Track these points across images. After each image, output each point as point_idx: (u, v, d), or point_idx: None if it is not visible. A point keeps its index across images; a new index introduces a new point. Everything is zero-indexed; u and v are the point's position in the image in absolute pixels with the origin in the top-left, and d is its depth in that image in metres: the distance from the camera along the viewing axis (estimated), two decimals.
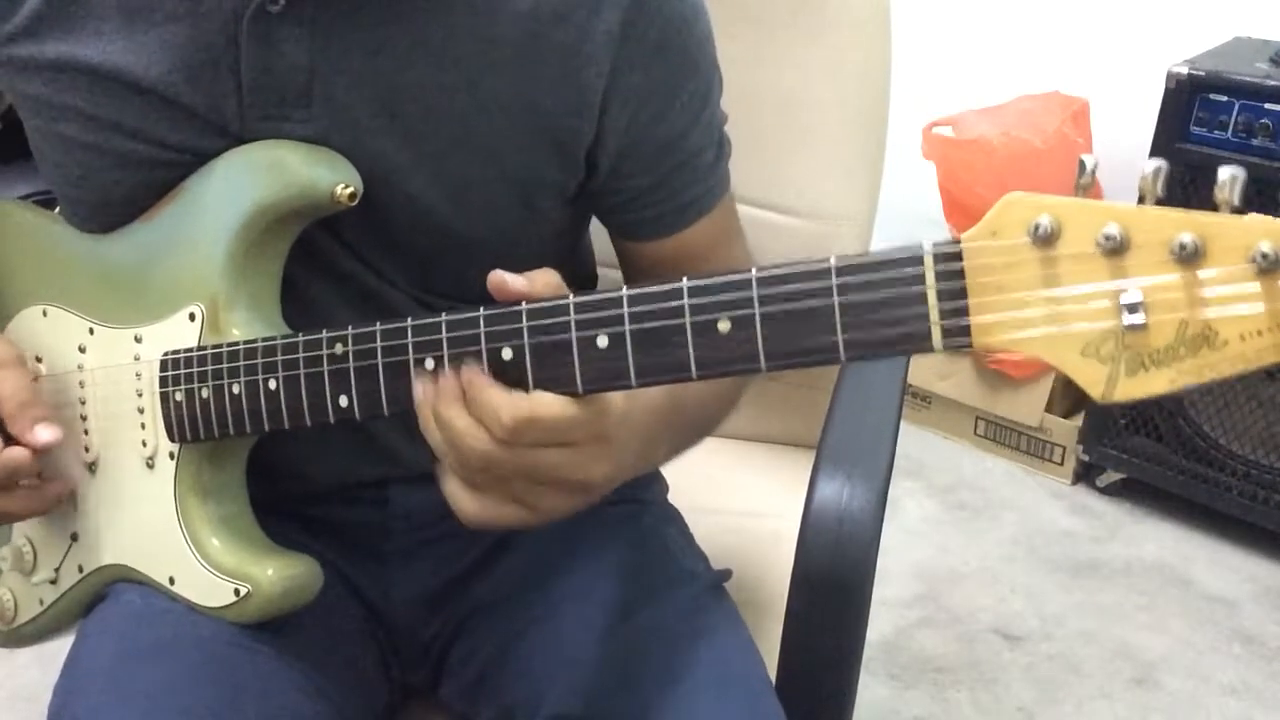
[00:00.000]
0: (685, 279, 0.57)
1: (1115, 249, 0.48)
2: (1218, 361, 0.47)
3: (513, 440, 0.59)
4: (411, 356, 0.63)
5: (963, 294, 0.50)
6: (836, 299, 0.53)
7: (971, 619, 1.84)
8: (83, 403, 0.80)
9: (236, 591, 0.73)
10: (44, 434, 0.74)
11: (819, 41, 1.11)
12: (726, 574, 0.86)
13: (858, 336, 0.53)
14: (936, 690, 1.70)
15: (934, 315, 0.51)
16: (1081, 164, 0.54)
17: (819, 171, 1.13)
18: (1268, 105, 1.71)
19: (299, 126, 0.71)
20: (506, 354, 0.61)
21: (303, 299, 0.76)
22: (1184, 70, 1.77)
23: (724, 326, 0.56)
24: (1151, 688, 1.70)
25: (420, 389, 0.62)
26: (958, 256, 0.50)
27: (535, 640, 0.79)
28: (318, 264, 0.76)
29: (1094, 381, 0.49)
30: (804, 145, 1.13)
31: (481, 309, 0.61)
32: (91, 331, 0.80)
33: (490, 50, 0.71)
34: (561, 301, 0.59)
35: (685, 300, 0.57)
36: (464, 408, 0.60)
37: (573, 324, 0.59)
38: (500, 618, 0.83)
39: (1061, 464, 2.18)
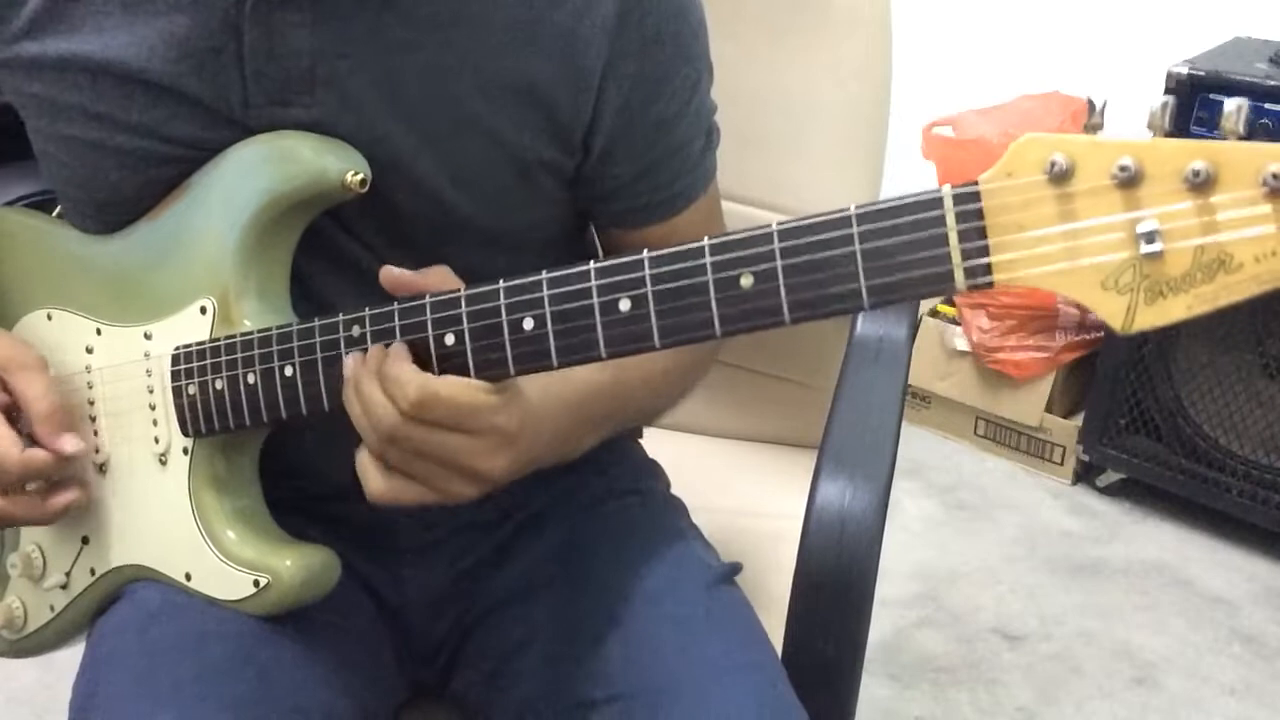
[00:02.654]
0: (706, 238, 0.58)
1: (1129, 180, 0.49)
2: (1234, 284, 0.48)
3: (416, 415, 0.62)
4: (431, 333, 0.64)
5: (983, 234, 0.51)
6: (859, 246, 0.54)
7: (971, 619, 1.84)
8: (91, 403, 0.80)
9: (256, 583, 0.73)
10: (71, 443, 0.74)
11: (820, 42, 1.11)
12: (738, 567, 0.86)
13: (880, 282, 0.54)
14: (936, 690, 1.69)
15: (956, 256, 0.52)
16: (1090, 104, 0.54)
17: (819, 171, 1.13)
18: (1268, 105, 1.71)
19: (303, 112, 0.71)
20: (528, 324, 0.62)
21: (308, 288, 0.76)
22: (1184, 70, 1.77)
23: (747, 282, 0.57)
24: (1151, 688, 1.70)
25: (350, 362, 0.66)
26: (976, 197, 0.51)
27: (556, 631, 0.80)
28: (323, 252, 0.76)
29: (1115, 313, 0.50)
30: (804, 145, 1.13)
31: (501, 281, 0.62)
32: (99, 332, 0.79)
33: (490, 34, 0.71)
34: (583, 268, 0.60)
35: (707, 259, 0.57)
36: (377, 380, 0.64)
37: (594, 290, 0.60)
38: (517, 612, 0.83)
39: (1061, 464, 2.18)
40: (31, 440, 0.75)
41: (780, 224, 0.56)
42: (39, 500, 0.76)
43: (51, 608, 0.83)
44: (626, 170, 0.78)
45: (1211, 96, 1.76)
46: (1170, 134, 1.78)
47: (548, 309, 0.61)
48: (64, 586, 0.82)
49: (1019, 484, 2.20)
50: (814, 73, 1.11)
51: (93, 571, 0.81)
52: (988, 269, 0.52)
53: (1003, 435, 2.25)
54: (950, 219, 0.52)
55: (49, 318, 0.82)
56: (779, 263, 0.56)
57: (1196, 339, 1.90)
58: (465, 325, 0.63)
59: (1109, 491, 2.14)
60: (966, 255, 0.52)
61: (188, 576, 0.76)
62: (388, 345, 0.65)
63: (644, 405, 0.83)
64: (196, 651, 0.72)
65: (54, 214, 0.85)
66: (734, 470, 1.20)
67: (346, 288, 0.77)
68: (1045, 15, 2.19)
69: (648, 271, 0.59)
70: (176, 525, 0.75)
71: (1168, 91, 1.78)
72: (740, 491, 1.15)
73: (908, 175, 1.95)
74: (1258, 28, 1.95)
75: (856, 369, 1.03)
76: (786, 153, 1.12)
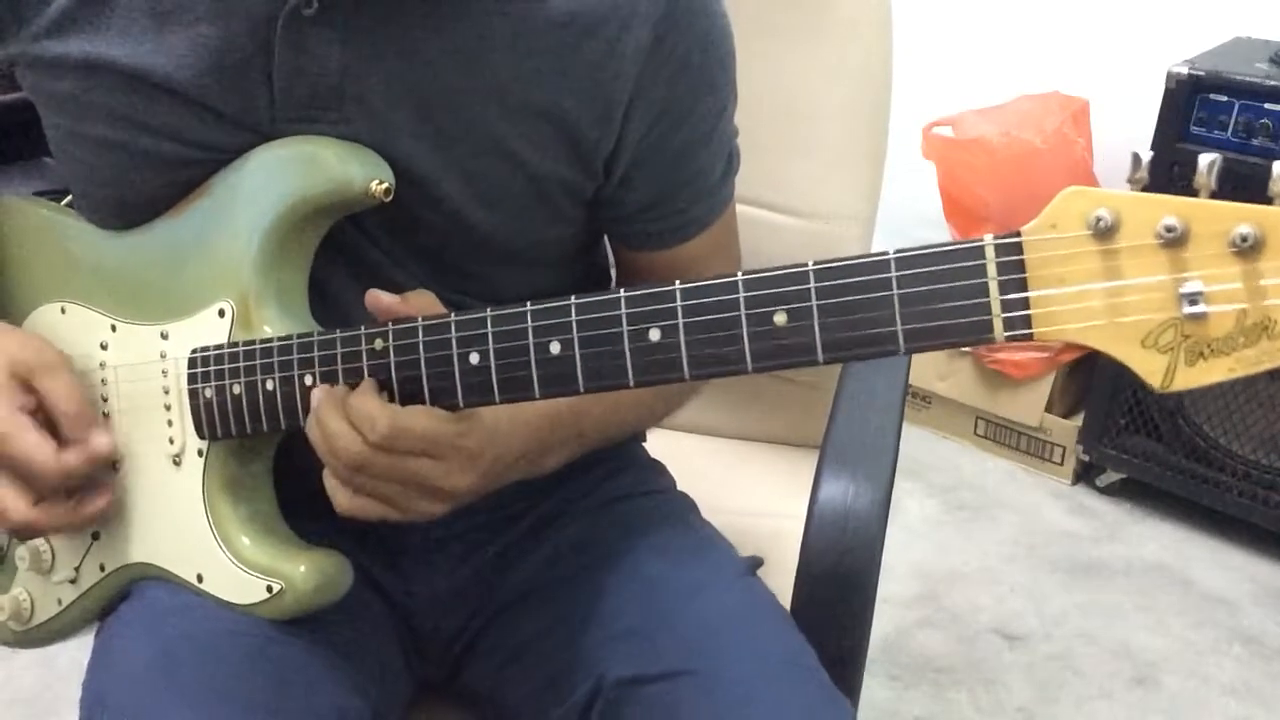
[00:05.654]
0: (740, 273, 0.58)
1: (1174, 241, 0.49)
2: (1276, 350, 0.48)
3: (386, 447, 0.63)
4: (455, 351, 0.64)
5: (1024, 286, 0.52)
6: (896, 291, 0.54)
7: (971, 619, 1.84)
8: (105, 400, 0.80)
9: (269, 589, 0.73)
10: (104, 440, 0.74)
11: (820, 42, 1.11)
12: (759, 561, 0.86)
13: (917, 327, 0.54)
14: (936, 690, 1.69)
15: (996, 307, 0.52)
16: (1136, 158, 0.55)
17: (820, 172, 1.13)
18: (1268, 105, 1.71)
19: (330, 128, 0.71)
20: (554, 348, 0.62)
21: (325, 293, 0.76)
22: (1184, 70, 1.77)
23: (780, 319, 0.56)
24: (1151, 688, 1.70)
25: (318, 394, 0.66)
26: (1018, 249, 0.52)
27: (583, 619, 0.80)
28: (343, 261, 0.76)
29: (1153, 371, 0.50)
30: (805, 146, 1.13)
31: (529, 304, 0.62)
32: (114, 329, 0.79)
33: (520, 59, 0.71)
34: (612, 295, 0.60)
35: (740, 294, 0.57)
36: (342, 414, 0.65)
37: (624, 318, 0.60)
38: (536, 605, 0.83)
39: (1061, 464, 2.18)
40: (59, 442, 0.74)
41: (816, 263, 0.56)
42: (71, 509, 0.75)
43: (59, 601, 0.83)
44: (645, 195, 0.79)
45: (1211, 97, 1.76)
46: (1169, 144, 1.77)
47: (575, 334, 0.61)
48: (72, 581, 0.82)
49: (1019, 484, 2.20)
50: (815, 73, 1.11)
51: (102, 568, 0.81)
52: (1027, 321, 0.52)
53: (1003, 435, 2.25)
54: (991, 269, 0.52)
55: (63, 311, 0.82)
56: (814, 302, 0.56)
57: None
58: (490, 345, 0.63)
59: (1109, 491, 2.14)
60: (1007, 306, 0.52)
61: (199, 578, 0.75)
62: (353, 385, 0.66)
63: (609, 430, 0.83)
64: (210, 652, 0.72)
65: (62, 205, 0.85)
66: (734, 470, 1.20)
67: (364, 295, 0.77)
68: (1045, 15, 2.19)
69: (679, 303, 0.59)
70: (189, 527, 0.75)
71: (1167, 91, 1.78)
72: (741, 491, 1.15)
73: (908, 175, 1.96)
74: (1258, 28, 1.95)
75: (857, 369, 1.03)
76: (787, 153, 1.12)
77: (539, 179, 0.75)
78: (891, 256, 0.54)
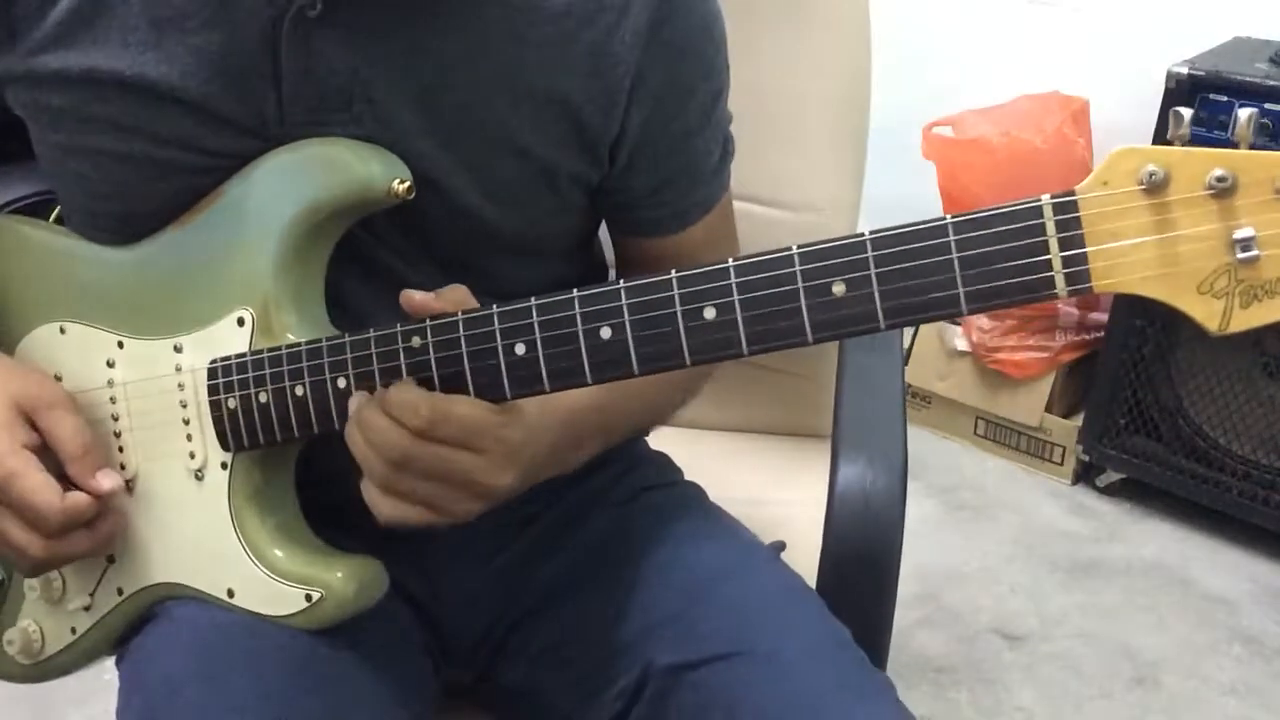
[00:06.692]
0: (795, 246, 0.58)
1: (1225, 191, 0.52)
2: None
3: (427, 433, 0.63)
4: (500, 343, 0.64)
5: (1081, 242, 0.54)
6: (955, 254, 0.55)
7: (971, 619, 1.84)
8: (115, 419, 0.78)
9: (308, 597, 0.71)
10: (109, 481, 0.73)
11: (799, 35, 1.11)
12: (782, 545, 0.87)
13: (979, 288, 0.55)
14: (936, 690, 1.69)
15: (1057, 264, 0.54)
16: (1178, 115, 0.58)
17: (801, 164, 1.14)
18: (1268, 105, 1.71)
19: (340, 130, 0.71)
20: (605, 333, 0.62)
21: (338, 299, 0.75)
22: (1184, 70, 1.77)
23: (839, 289, 0.58)
24: (1151, 688, 1.70)
25: (355, 400, 0.66)
26: (1074, 206, 0.54)
27: (621, 611, 0.80)
28: (353, 261, 0.76)
29: (1210, 315, 0.53)
30: (785, 138, 1.13)
31: (575, 291, 0.63)
32: (121, 345, 0.77)
33: (524, 50, 0.72)
34: (663, 277, 0.61)
35: (797, 267, 0.58)
36: (381, 409, 0.64)
37: (676, 298, 0.61)
38: (569, 602, 0.83)
39: (1061, 464, 2.18)
40: (63, 478, 0.73)
41: (873, 233, 0.57)
42: (84, 537, 0.73)
43: (73, 630, 0.81)
44: (646, 181, 0.79)
45: (1211, 97, 1.76)
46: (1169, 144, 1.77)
47: (627, 317, 0.61)
48: (88, 608, 0.80)
49: (1019, 484, 2.20)
50: (794, 66, 1.12)
51: (120, 591, 0.79)
52: (1087, 275, 0.54)
53: (1003, 435, 2.25)
54: (1050, 227, 0.54)
55: (62, 331, 0.80)
56: (873, 270, 0.57)
57: (1196, 339, 1.90)
58: (538, 335, 0.63)
59: (1109, 491, 2.14)
60: (1067, 262, 0.54)
61: (230, 593, 0.74)
62: (387, 385, 0.66)
63: (636, 420, 0.84)
64: (255, 671, 0.71)
65: (50, 218, 0.83)
66: (729, 461, 1.20)
67: (376, 296, 0.76)
68: (1044, 15, 2.19)
69: (734, 280, 0.59)
70: (216, 542, 0.74)
71: (1167, 91, 1.78)
72: (740, 482, 1.15)
73: (908, 175, 1.96)
74: (1258, 28, 1.95)
75: (854, 356, 1.05)
76: (768, 146, 1.12)
77: (547, 170, 0.75)
78: (949, 221, 0.56)
